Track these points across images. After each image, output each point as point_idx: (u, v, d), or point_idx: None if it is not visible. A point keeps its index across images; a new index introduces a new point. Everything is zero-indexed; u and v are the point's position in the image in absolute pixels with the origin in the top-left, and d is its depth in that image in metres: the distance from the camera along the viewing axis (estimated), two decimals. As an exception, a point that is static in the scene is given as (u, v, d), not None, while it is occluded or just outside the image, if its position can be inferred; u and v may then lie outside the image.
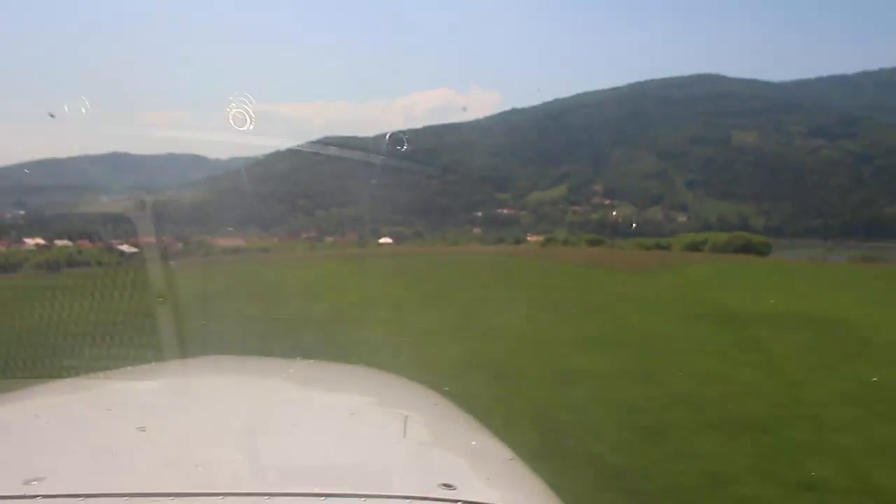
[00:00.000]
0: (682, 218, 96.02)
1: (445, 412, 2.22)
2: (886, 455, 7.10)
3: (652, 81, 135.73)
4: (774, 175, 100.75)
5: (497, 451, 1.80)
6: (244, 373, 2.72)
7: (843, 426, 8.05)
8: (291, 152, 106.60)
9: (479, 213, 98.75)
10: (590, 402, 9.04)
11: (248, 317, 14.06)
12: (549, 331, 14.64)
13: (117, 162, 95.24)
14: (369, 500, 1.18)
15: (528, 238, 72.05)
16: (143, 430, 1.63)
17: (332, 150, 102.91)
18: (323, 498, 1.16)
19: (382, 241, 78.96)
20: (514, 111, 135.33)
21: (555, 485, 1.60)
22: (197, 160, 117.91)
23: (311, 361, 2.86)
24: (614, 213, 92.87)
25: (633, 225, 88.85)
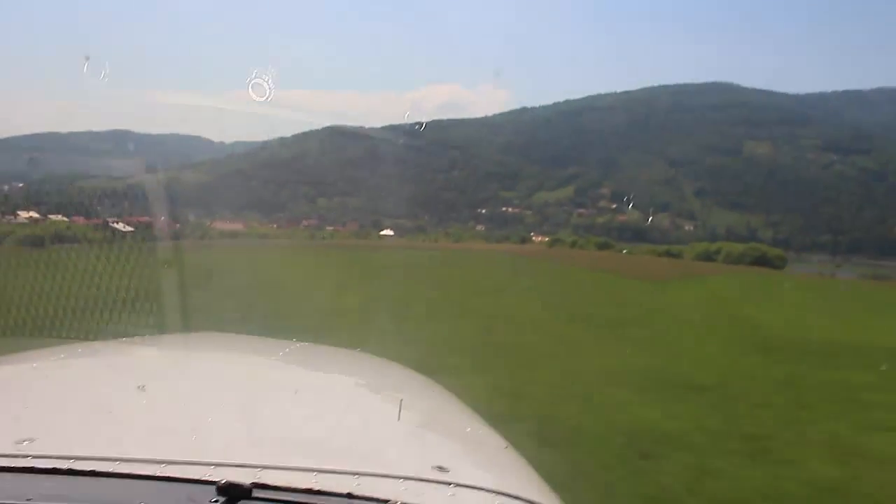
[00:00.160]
0: (688, 226, 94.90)
1: (440, 398, 2.21)
2: None
3: (665, 87, 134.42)
4: (785, 188, 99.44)
5: (492, 439, 1.79)
6: (241, 349, 2.71)
7: None
8: (296, 139, 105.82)
9: (483, 211, 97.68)
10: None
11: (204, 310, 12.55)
12: (590, 356, 12.60)
13: (120, 139, 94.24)
14: (363, 478, 1.18)
15: (533, 238, 70.76)
16: (143, 390, 1.68)
17: (338, 139, 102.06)
18: (315, 473, 1.17)
19: (384, 232, 77.79)
20: (523, 110, 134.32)
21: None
22: (200, 141, 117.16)
23: (308, 343, 2.72)
24: (620, 217, 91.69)
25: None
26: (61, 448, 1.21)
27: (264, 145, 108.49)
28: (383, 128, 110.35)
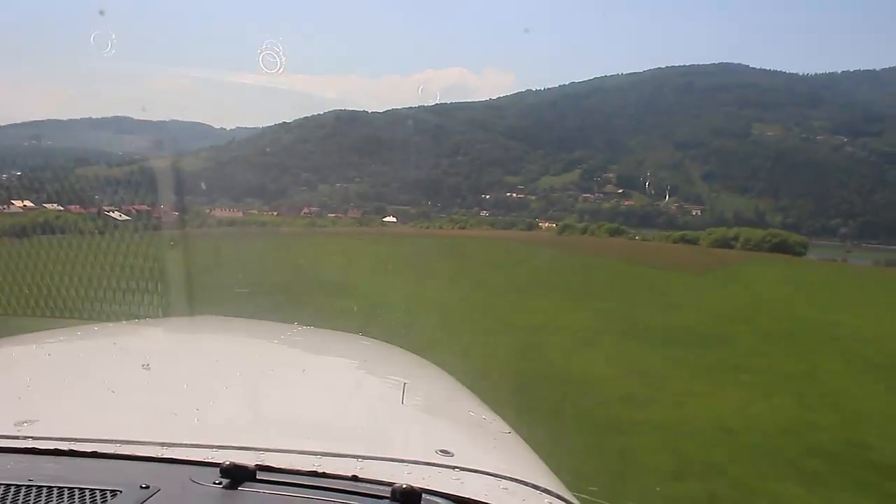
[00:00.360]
0: (696, 211, 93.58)
1: (443, 382, 2.18)
2: None
3: (672, 68, 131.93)
4: (794, 171, 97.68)
5: (494, 424, 1.77)
6: (243, 333, 2.64)
7: None
8: (298, 124, 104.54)
9: (487, 196, 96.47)
10: None
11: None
12: (702, 408, 9.46)
13: (120, 126, 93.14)
14: (367, 461, 1.19)
15: (541, 224, 69.63)
16: (146, 371, 1.69)
17: (340, 124, 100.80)
18: (319, 456, 1.17)
19: (386, 219, 76.78)
20: (528, 92, 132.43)
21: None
22: (201, 128, 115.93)
23: (310, 328, 2.67)
24: (627, 202, 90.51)
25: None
26: (62, 429, 1.21)
27: (266, 131, 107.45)
28: (386, 112, 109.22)
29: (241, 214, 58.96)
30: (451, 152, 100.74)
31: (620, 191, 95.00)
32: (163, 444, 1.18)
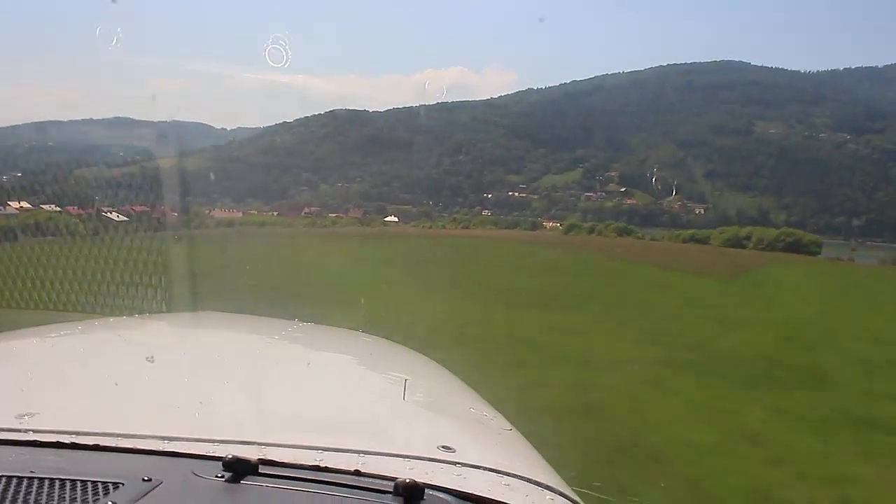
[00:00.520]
0: (699, 209, 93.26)
1: (444, 379, 2.17)
2: None
3: (674, 66, 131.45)
4: (797, 169, 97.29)
5: (495, 421, 1.77)
6: (244, 329, 2.63)
7: None
8: (299, 123, 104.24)
9: (489, 195, 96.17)
10: None
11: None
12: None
13: (120, 126, 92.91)
14: (369, 456, 1.19)
15: (545, 223, 69.26)
16: (149, 364, 1.70)
17: (341, 124, 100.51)
18: (321, 451, 1.17)
19: (388, 219, 76.46)
20: (529, 91, 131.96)
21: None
22: (202, 128, 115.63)
23: (311, 324, 2.67)
24: (629, 200, 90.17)
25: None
26: (64, 423, 1.21)
27: (266, 131, 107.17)
28: (387, 111, 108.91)
29: (240, 215, 58.70)
30: (453, 151, 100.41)
31: (623, 189, 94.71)
32: (164, 438, 1.17)
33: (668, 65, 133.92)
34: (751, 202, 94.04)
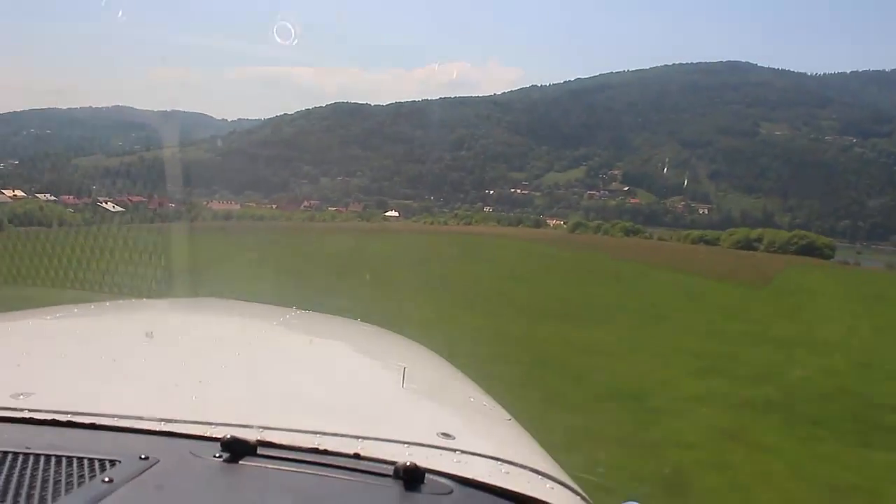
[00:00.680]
0: (703, 209, 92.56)
1: (443, 369, 2.20)
2: None
3: (679, 66, 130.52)
4: (802, 171, 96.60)
5: (495, 410, 1.78)
6: (243, 314, 2.67)
7: None
8: (300, 116, 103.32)
9: (491, 192, 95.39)
10: None
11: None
12: None
13: (120, 116, 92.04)
14: (367, 441, 1.19)
15: (548, 221, 68.42)
16: (147, 343, 1.71)
17: (343, 117, 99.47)
18: (320, 435, 1.18)
19: (388, 214, 75.64)
20: (533, 88, 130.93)
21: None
22: (202, 118, 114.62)
23: (309, 312, 2.67)
24: (633, 199, 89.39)
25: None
26: (61, 402, 1.22)
27: (267, 123, 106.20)
28: (389, 105, 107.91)
29: (238, 207, 57.70)
30: (455, 147, 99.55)
31: (626, 188, 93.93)
32: (162, 420, 1.17)
33: (674, 64, 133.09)
34: (755, 203, 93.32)
